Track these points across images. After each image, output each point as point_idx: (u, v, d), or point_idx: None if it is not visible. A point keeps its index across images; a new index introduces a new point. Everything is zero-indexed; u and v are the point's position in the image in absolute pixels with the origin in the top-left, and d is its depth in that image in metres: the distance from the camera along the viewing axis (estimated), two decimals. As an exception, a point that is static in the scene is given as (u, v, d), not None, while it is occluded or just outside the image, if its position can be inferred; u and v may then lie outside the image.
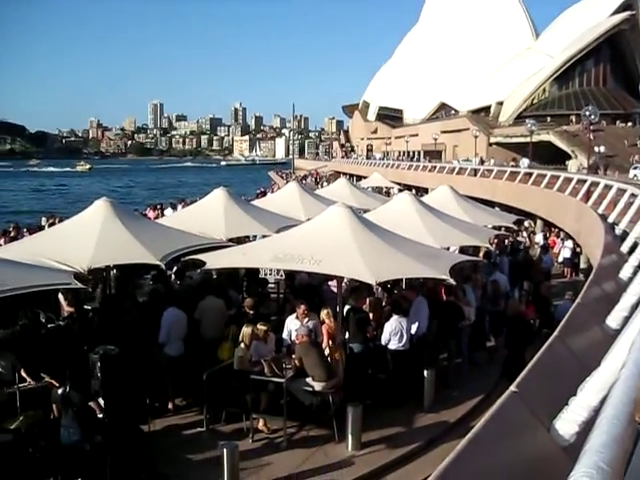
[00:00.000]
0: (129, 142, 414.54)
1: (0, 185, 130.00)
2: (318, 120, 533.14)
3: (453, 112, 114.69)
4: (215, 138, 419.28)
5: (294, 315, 12.58)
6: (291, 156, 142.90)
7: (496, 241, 21.29)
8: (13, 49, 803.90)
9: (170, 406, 12.25)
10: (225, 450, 9.34)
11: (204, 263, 13.00)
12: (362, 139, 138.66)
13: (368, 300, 13.63)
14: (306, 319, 12.29)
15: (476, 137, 76.60)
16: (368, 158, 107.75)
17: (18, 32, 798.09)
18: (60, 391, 9.24)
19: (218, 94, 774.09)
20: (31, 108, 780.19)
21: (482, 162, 63.90)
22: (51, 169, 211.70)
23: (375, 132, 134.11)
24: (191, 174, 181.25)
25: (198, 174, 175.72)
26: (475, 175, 51.53)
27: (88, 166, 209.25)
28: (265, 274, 15.96)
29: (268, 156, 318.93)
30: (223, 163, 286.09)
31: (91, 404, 9.18)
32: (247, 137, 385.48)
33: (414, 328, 12.98)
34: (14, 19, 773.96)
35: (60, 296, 13.32)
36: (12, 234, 20.49)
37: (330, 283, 14.82)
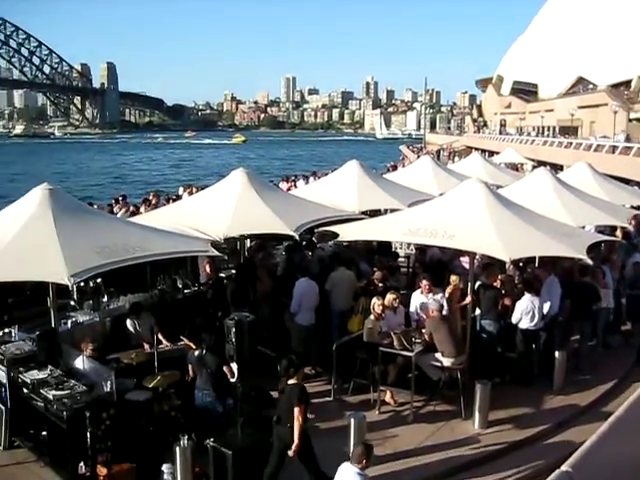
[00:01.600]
0: (262, 115, 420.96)
1: (153, 155, 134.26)
2: (450, 94, 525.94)
3: (591, 86, 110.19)
4: (346, 112, 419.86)
5: (419, 290, 12.56)
6: (422, 130, 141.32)
7: (634, 221, 20.41)
8: (150, 26, 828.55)
9: (299, 374, 12.48)
10: (352, 420, 9.45)
11: (336, 235, 13.13)
12: (495, 114, 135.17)
13: (500, 277, 13.41)
14: (430, 294, 12.26)
15: (615, 113, 73.22)
16: (500, 133, 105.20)
17: (153, 11, 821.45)
18: (197, 353, 9.60)
19: (350, 68, 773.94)
20: (169, 82, 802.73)
21: (628, 139, 60.87)
22: (208, 141, 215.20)
23: (509, 107, 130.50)
24: (322, 147, 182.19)
25: (328, 147, 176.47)
26: (613, 152, 49.41)
27: (243, 138, 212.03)
28: (395, 248, 15.97)
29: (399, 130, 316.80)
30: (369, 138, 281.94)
31: (225, 368, 9.47)
32: (378, 111, 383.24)
33: (546, 308, 12.66)
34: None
35: (203, 262, 13.72)
36: (153, 202, 21.24)
37: (461, 259, 14.65)
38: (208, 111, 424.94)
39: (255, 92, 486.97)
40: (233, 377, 9.49)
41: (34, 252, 9.25)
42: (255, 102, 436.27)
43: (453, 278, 12.82)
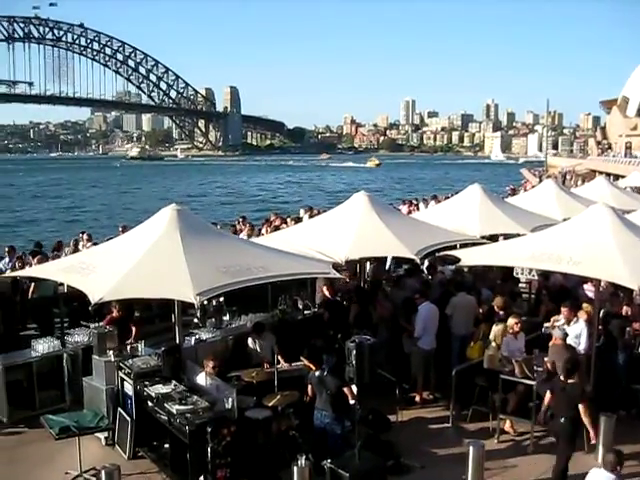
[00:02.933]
0: (381, 138, 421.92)
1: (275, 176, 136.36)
2: (573, 116, 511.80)
3: None
4: (466, 134, 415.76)
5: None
6: (544, 153, 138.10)
7: None
8: (271, 51, 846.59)
9: (418, 399, 12.39)
10: (471, 448, 9.27)
11: (457, 259, 12.99)
12: (620, 136, 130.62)
13: (627, 306, 12.90)
14: (561, 322, 11.93)
15: None
16: (626, 156, 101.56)
17: (275, 38, 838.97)
18: (317, 374, 9.64)
19: (470, 90, 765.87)
20: (290, 105, 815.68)
21: None
22: (344, 164, 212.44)
23: (635, 129, 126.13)
24: (441, 169, 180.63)
25: (447, 170, 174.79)
26: None
27: (377, 162, 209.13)
28: (516, 273, 15.63)
29: (520, 153, 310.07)
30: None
31: (345, 390, 9.48)
32: (499, 133, 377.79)
33: (678, 340, 12.09)
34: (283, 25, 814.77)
35: (321, 284, 13.83)
36: (276, 223, 21.56)
37: (585, 286, 14.22)
38: (328, 134, 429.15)
39: (375, 115, 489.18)
40: (353, 399, 9.49)
41: (162, 270, 9.60)
42: (374, 125, 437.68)
43: (585, 306, 12.39)
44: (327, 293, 13.39)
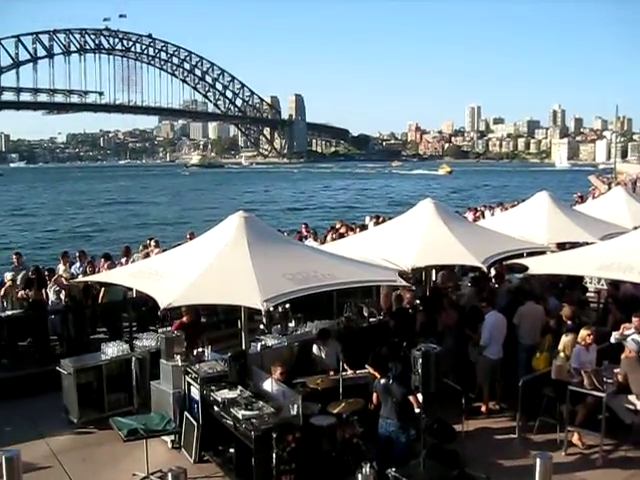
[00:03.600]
0: (446, 145, 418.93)
1: (340, 184, 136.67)
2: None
3: None
4: (532, 141, 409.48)
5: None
6: (612, 160, 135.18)
7: None
8: (336, 59, 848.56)
9: (483, 409, 12.24)
10: (538, 460, 9.08)
11: (523, 267, 12.83)
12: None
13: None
14: (631, 331, 11.65)
15: None
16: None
17: (339, 46, 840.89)
18: (383, 382, 9.59)
19: (536, 96, 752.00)
20: (354, 113, 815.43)
21: None
22: (416, 171, 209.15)
23: None
24: (506, 177, 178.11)
25: (513, 177, 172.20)
26: None
27: (449, 169, 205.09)
28: (585, 282, 15.38)
29: (587, 160, 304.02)
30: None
31: (410, 398, 9.43)
32: (565, 140, 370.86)
33: None
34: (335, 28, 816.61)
35: (383, 291, 13.82)
36: (341, 231, 21.60)
37: (657, 296, 13.89)
38: (392, 141, 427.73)
39: (439, 122, 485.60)
40: (418, 408, 9.44)
41: (230, 277, 9.71)
42: (439, 132, 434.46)
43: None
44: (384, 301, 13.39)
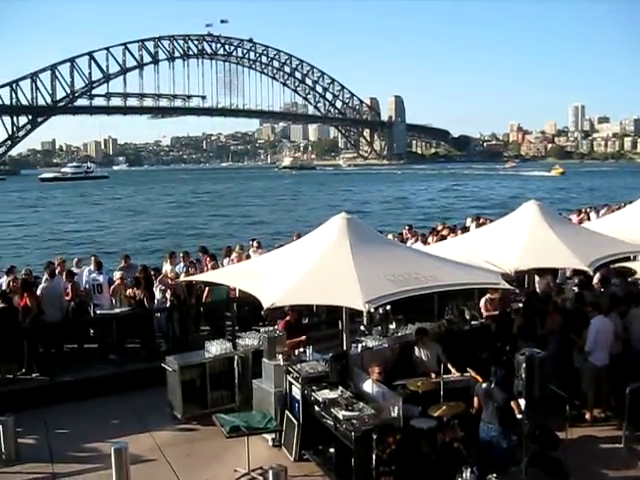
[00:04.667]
0: (549, 145, 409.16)
1: (441, 185, 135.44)
2: None
3: None
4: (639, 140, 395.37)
5: None
6: None
7: None
8: (435, 59, 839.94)
9: (588, 416, 11.91)
10: (648, 472, 8.85)
11: (632, 271, 12.44)
12: None
13: None
14: None
15: None
16: None
17: (437, 46, 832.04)
18: (484, 386, 9.47)
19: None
20: (455, 113, 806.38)
21: None
22: (530, 173, 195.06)
23: None
24: (612, 177, 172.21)
25: (619, 177, 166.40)
26: None
27: (561, 170, 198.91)
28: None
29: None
30: None
31: (512, 403, 9.28)
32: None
33: None
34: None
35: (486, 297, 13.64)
36: (443, 233, 21.37)
37: None
38: (494, 142, 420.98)
39: (542, 122, 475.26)
40: (520, 414, 9.28)
41: (332, 278, 9.75)
42: (542, 132, 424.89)
43: None
44: (487, 306, 13.20)
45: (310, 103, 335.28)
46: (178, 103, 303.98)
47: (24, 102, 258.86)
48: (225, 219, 74.34)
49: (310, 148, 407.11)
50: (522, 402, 9.22)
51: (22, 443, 11.40)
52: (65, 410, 12.86)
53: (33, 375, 14.46)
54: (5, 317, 13.94)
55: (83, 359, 15.43)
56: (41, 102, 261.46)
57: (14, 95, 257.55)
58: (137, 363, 14.84)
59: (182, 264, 18.19)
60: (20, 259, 39.59)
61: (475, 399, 9.80)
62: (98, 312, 16.16)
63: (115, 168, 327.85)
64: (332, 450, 9.94)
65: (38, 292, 15.33)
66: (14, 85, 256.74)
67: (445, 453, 9.52)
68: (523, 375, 8.64)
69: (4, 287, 15.45)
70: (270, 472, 9.17)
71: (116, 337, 14.95)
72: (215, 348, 12.68)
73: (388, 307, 12.74)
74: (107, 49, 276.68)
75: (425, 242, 19.82)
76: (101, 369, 14.76)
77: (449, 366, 11.13)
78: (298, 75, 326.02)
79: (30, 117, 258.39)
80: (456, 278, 10.59)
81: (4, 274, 16.63)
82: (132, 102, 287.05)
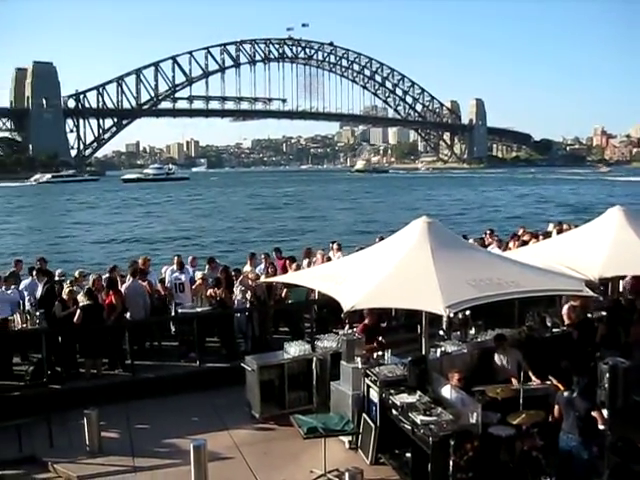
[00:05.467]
0: (634, 150, 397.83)
1: (521, 190, 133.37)
2: None
3: None
4: None
5: None
6: None
7: None
8: (518, 61, 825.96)
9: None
10: None
11: None
12: None
13: None
14: None
15: None
16: None
17: (523, 51, 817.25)
18: (566, 395, 9.30)
19: None
20: (536, 117, 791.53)
21: None
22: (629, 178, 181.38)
23: None
24: None
25: None
26: None
27: None
28: None
29: None
30: None
31: (594, 414, 9.09)
32: None
33: None
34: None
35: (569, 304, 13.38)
36: (524, 238, 21.07)
37: None
38: (577, 146, 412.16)
39: (628, 125, 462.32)
40: (603, 424, 9.07)
41: (412, 281, 9.72)
42: (627, 136, 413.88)
43: None
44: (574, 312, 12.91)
45: (390, 106, 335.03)
46: (259, 106, 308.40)
47: (110, 105, 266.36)
48: (304, 221, 74.78)
49: (389, 151, 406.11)
50: (605, 412, 9.01)
51: (105, 436, 11.75)
52: (146, 406, 13.20)
53: (116, 371, 14.85)
54: (91, 314, 14.37)
55: (163, 356, 15.78)
56: (126, 105, 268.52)
57: (100, 98, 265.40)
58: (216, 362, 15.08)
59: (262, 265, 18.42)
60: (107, 258, 40.71)
61: (556, 408, 9.63)
62: (180, 310, 16.54)
63: (194, 170, 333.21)
64: (408, 455, 9.91)
65: (122, 290, 15.74)
66: (101, 88, 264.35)
67: (523, 462, 9.37)
68: (606, 385, 8.43)
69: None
70: (346, 474, 9.23)
71: (197, 335, 15.20)
72: (294, 349, 12.80)
73: (468, 312, 12.63)
74: (190, 53, 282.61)
75: (506, 247, 19.57)
76: (181, 367, 15.08)
77: (529, 373, 10.95)
78: (378, 78, 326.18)
79: (115, 120, 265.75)
80: (538, 284, 10.42)
81: (107, 272, 17.17)
82: (214, 105, 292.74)
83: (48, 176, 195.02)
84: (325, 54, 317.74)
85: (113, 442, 11.83)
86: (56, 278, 16.85)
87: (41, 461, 11.28)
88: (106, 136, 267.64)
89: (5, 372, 14.30)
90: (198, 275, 16.86)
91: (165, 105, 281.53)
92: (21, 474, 10.95)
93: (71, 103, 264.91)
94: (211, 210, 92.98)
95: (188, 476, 9.68)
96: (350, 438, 11.04)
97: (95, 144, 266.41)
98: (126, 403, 13.14)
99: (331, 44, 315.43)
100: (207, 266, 18.42)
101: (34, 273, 16.74)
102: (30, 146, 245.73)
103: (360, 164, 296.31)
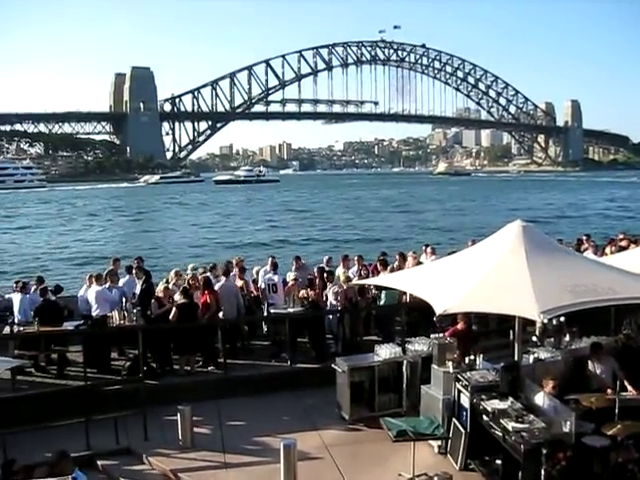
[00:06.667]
0: None
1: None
2: None
3: None
4: None
5: None
6: None
7: None
8: (616, 63, 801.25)
9: None
10: None
11: None
12: None
13: None
14: None
15: None
16: None
17: (617, 51, 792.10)
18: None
19: None
20: (635, 119, 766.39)
21: None
22: None
23: None
24: None
25: None
26: None
27: None
28: None
29: None
30: None
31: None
32: None
33: None
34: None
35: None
36: (622, 244, 20.51)
37: None
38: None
39: None
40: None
41: (506, 286, 9.58)
42: None
43: None
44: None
45: (483, 108, 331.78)
46: (351, 109, 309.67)
47: (204, 108, 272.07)
48: (396, 223, 74.68)
49: (482, 154, 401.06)
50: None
51: (197, 432, 12.04)
52: (237, 403, 13.46)
53: (209, 369, 15.18)
54: (186, 312, 14.74)
55: (253, 355, 16.10)
56: (220, 108, 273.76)
57: (195, 102, 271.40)
58: (307, 362, 15.23)
59: (355, 267, 18.50)
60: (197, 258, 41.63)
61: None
62: (272, 311, 16.79)
63: (282, 172, 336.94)
64: (499, 462, 9.78)
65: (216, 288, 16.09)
66: (196, 92, 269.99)
67: (618, 474, 9.13)
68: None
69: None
70: (435, 479, 9.19)
71: (288, 336, 15.38)
72: (384, 352, 12.81)
73: (562, 318, 12.41)
74: (283, 56, 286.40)
75: (602, 253, 19.10)
76: (272, 366, 15.31)
77: (625, 383, 10.66)
78: (471, 80, 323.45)
79: (210, 123, 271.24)
80: (636, 291, 10.14)
81: (208, 271, 17.83)
82: (306, 108, 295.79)
83: (157, 177, 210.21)
84: (417, 56, 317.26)
85: (205, 438, 12.12)
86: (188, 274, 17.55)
87: (136, 453, 11.67)
88: (201, 139, 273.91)
89: (104, 366, 14.84)
90: (290, 276, 17.07)
91: (258, 108, 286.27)
92: (117, 465, 11.34)
93: (167, 107, 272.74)
94: (305, 212, 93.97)
95: (277, 475, 9.84)
96: (439, 443, 10.98)
97: (190, 146, 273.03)
98: (218, 400, 13.42)
99: (423, 46, 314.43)
100: (293, 265, 18.64)
101: (133, 272, 17.24)
102: (127, 148, 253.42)
103: (442, 167, 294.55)
